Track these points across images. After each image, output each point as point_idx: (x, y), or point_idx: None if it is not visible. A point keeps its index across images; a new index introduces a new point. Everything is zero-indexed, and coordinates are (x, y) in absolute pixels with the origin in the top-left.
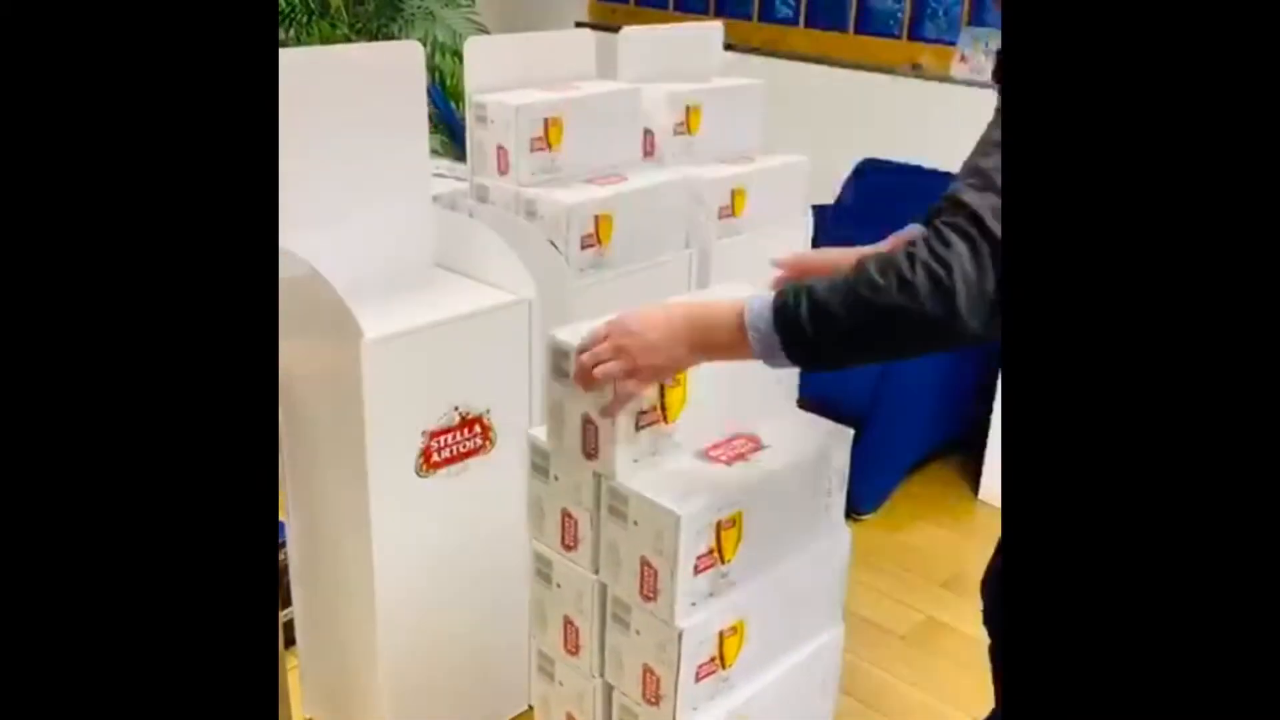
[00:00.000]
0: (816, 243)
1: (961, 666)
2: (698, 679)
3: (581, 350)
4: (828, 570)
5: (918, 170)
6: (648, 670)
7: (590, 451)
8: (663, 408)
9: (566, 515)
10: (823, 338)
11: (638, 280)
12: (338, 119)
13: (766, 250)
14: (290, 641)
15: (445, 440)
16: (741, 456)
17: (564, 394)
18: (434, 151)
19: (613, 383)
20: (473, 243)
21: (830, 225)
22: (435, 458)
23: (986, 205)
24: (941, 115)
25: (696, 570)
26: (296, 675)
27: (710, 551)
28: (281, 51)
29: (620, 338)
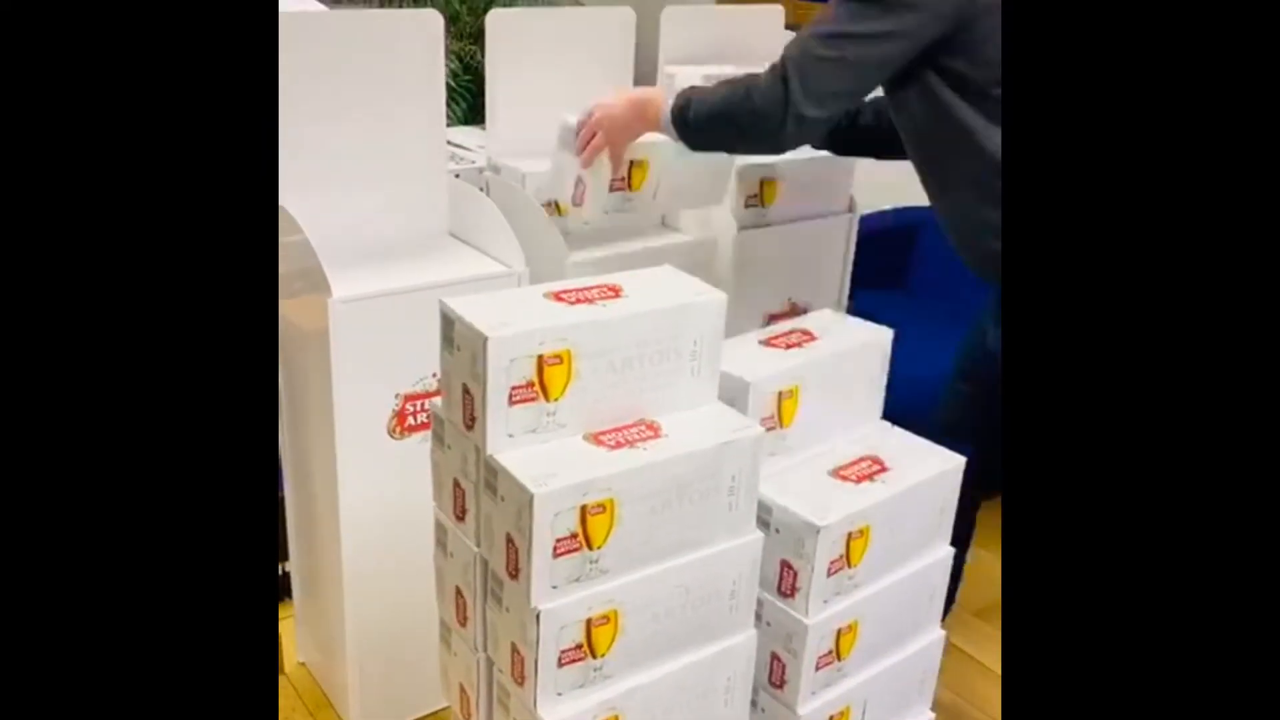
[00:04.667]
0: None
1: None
2: (560, 664)
3: (580, 125)
4: (732, 573)
5: None
6: (515, 649)
7: (468, 421)
8: (541, 384)
9: (456, 485)
10: (695, 115)
11: (635, 259)
12: (356, 84)
13: (793, 244)
14: (288, 593)
15: (422, 405)
16: (630, 443)
17: (450, 363)
18: None
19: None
20: (480, 215)
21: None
22: (410, 421)
23: (796, 48)
24: None
25: (556, 553)
26: (292, 624)
27: (573, 536)
28: (302, 14)
29: (600, 112)
